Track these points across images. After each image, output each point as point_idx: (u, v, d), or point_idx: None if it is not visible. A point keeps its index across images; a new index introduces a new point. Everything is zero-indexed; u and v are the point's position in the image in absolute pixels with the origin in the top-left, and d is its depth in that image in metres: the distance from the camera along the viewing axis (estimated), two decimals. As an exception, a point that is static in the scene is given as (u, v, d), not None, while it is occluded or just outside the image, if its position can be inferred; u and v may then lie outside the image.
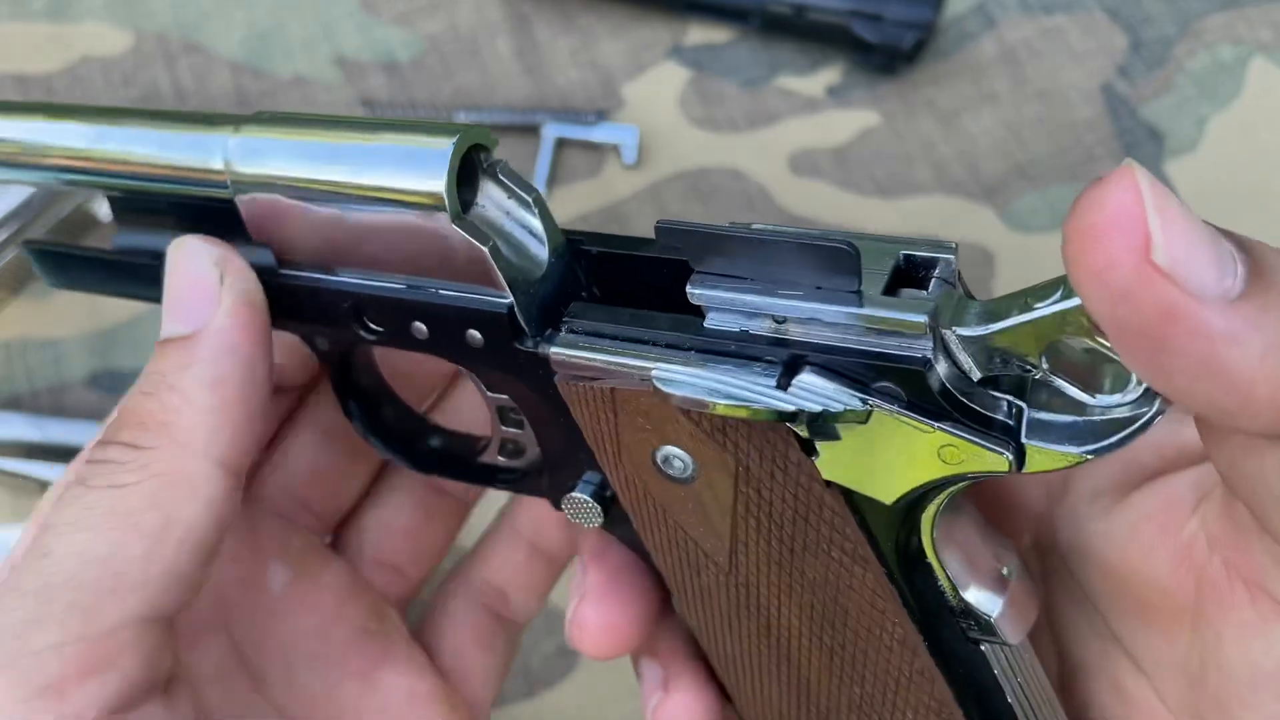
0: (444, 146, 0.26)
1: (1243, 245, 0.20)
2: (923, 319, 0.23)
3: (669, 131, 0.63)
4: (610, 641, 0.33)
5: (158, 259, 0.31)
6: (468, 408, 0.38)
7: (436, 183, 0.26)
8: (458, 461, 0.35)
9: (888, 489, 0.26)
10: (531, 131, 0.62)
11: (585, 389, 0.27)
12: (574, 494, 0.30)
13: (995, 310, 0.23)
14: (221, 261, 0.29)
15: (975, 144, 0.62)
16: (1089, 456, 0.23)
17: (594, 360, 0.27)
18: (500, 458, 0.34)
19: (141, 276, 0.33)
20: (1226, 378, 0.19)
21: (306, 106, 0.63)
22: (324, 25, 0.65)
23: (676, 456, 0.28)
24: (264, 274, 0.30)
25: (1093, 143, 0.62)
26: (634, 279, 0.28)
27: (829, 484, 0.26)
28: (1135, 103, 0.63)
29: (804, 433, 0.25)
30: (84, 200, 0.57)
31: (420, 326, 0.29)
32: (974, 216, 0.60)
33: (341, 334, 0.31)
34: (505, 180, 0.28)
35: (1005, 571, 0.28)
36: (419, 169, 0.26)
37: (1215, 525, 0.26)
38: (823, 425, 0.25)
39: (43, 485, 0.53)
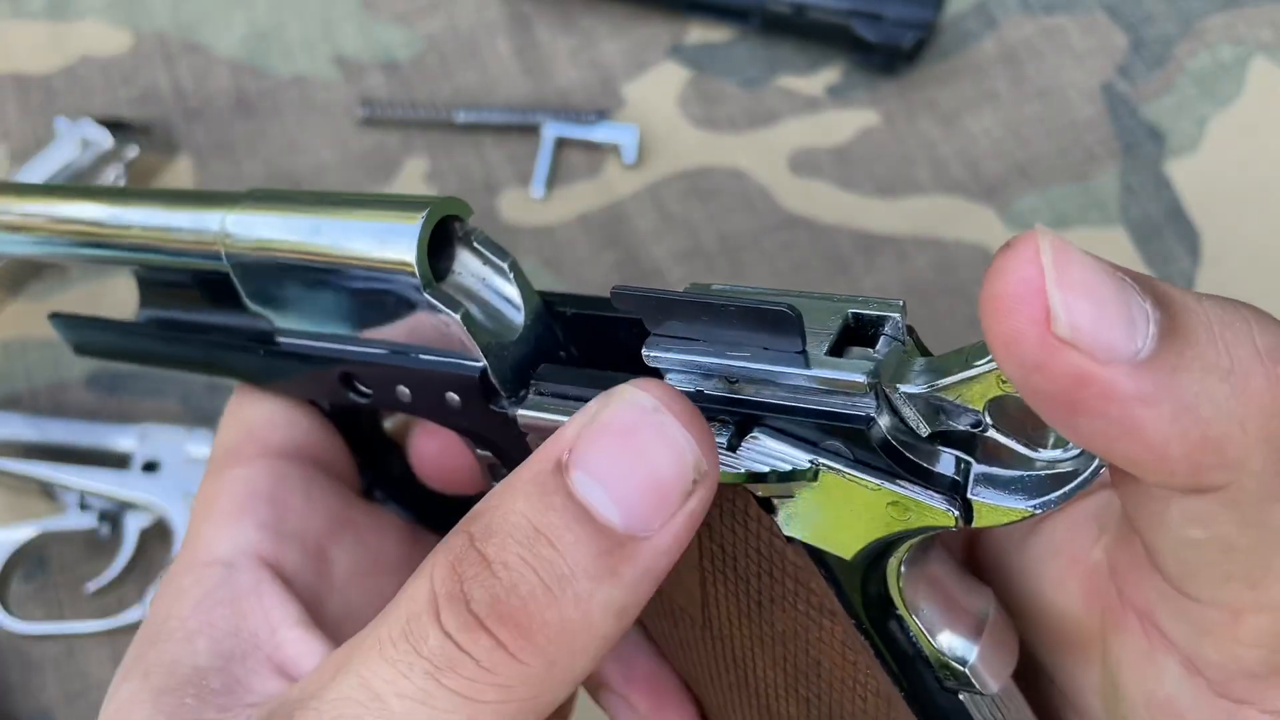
0: (415, 221, 0.28)
1: (1160, 299, 0.20)
2: (862, 379, 0.23)
3: (669, 131, 0.63)
4: None
5: (180, 330, 0.34)
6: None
7: (408, 254, 0.28)
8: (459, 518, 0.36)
9: (844, 544, 0.26)
10: (531, 131, 0.62)
11: None
12: None
13: (939, 366, 0.24)
14: (703, 471, 0.24)
15: (975, 144, 0.62)
16: (1036, 511, 0.23)
17: (558, 422, 0.27)
18: None
19: (164, 347, 0.35)
20: (1140, 437, 0.20)
21: (306, 106, 0.63)
22: (323, 25, 0.65)
23: None
24: (262, 340, 0.32)
25: (1093, 142, 0.62)
26: (608, 337, 0.29)
27: (790, 539, 0.26)
28: (1136, 102, 0.63)
29: (760, 490, 0.26)
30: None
31: (404, 390, 0.30)
32: (974, 216, 0.60)
33: (336, 397, 0.32)
34: (480, 248, 0.29)
35: (981, 615, 0.28)
36: (394, 241, 0.28)
37: (1114, 555, 0.26)
38: (774, 483, 0.25)
39: (43, 485, 0.53)
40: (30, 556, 0.54)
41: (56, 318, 0.38)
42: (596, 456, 0.23)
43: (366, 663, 0.24)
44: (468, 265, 0.29)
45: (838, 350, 0.24)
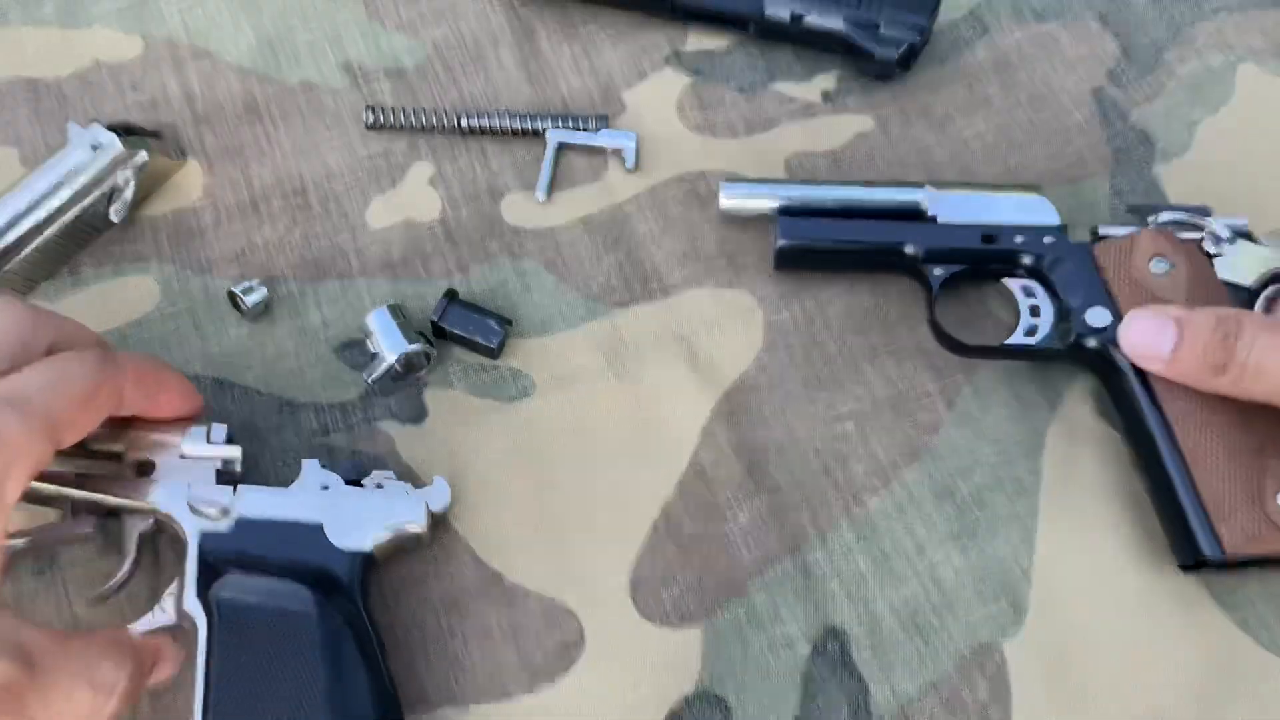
0: None
1: None
2: None
3: (669, 136, 0.64)
4: None
5: None
6: None
7: None
8: None
9: None
10: (535, 137, 0.63)
11: None
12: None
13: None
14: None
15: (968, 148, 0.63)
16: None
17: None
18: None
19: None
20: None
21: (313, 112, 0.64)
22: (330, 32, 0.66)
23: None
24: None
25: (1084, 146, 0.63)
26: None
27: None
28: (1126, 107, 0.64)
29: None
30: (94, 201, 0.58)
31: None
32: (968, 219, 0.61)
33: None
34: None
35: None
36: None
37: None
38: None
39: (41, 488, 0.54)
40: (31, 555, 0.54)
41: None
42: None
43: None
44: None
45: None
